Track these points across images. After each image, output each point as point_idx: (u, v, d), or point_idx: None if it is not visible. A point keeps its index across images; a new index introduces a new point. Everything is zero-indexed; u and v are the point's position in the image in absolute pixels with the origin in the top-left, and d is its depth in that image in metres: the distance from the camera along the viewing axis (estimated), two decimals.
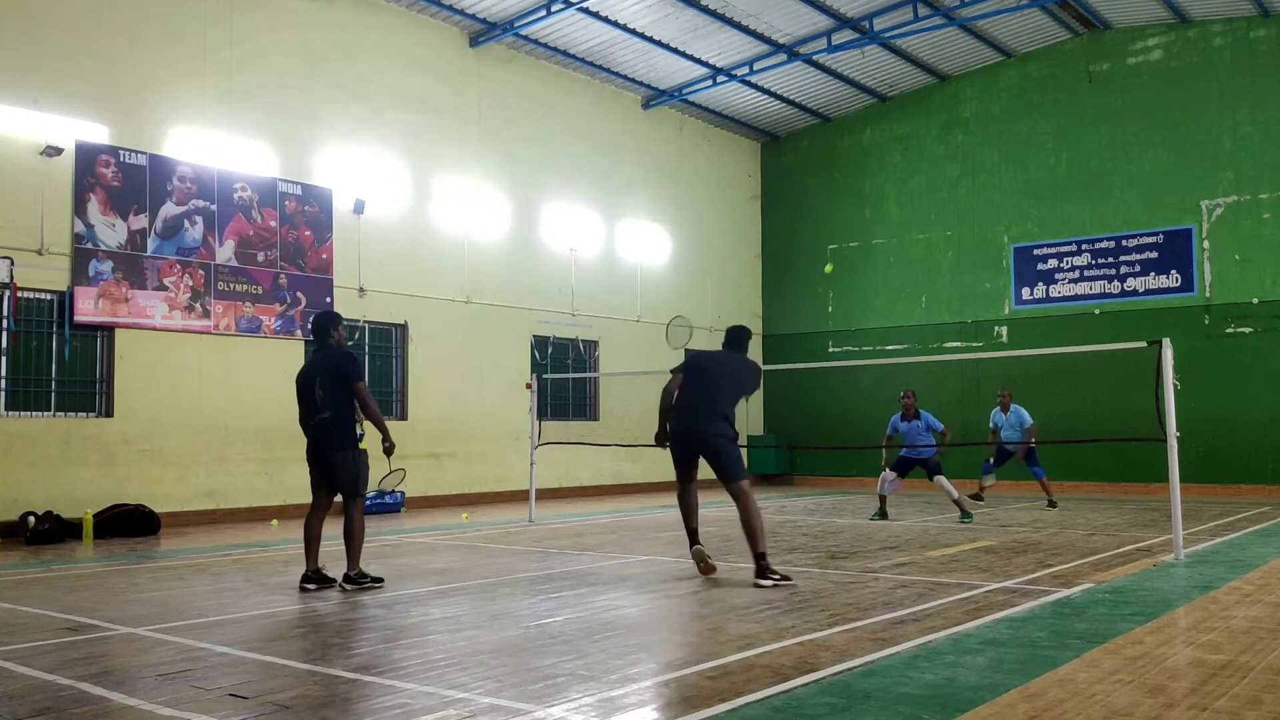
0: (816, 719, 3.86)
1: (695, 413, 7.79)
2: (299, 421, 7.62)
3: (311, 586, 7.31)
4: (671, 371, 8.15)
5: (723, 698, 4.13)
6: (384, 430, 7.37)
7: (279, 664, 4.92)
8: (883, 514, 12.87)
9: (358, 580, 7.31)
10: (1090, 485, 17.46)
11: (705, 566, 7.81)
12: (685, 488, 8.06)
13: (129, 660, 5.17)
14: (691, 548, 7.94)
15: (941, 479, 12.47)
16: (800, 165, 22.27)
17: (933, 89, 20.53)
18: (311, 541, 7.42)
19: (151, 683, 4.56)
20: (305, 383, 7.55)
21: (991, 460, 14.47)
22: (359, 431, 7.46)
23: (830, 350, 21.30)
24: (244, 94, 13.69)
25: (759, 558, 7.46)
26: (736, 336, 8.31)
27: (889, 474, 12.71)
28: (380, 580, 7.45)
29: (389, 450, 7.39)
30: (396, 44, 15.64)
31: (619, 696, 4.28)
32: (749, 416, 21.91)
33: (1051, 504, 14.07)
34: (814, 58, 18.49)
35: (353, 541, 7.37)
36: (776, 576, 7.34)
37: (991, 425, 14.51)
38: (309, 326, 7.93)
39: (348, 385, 7.39)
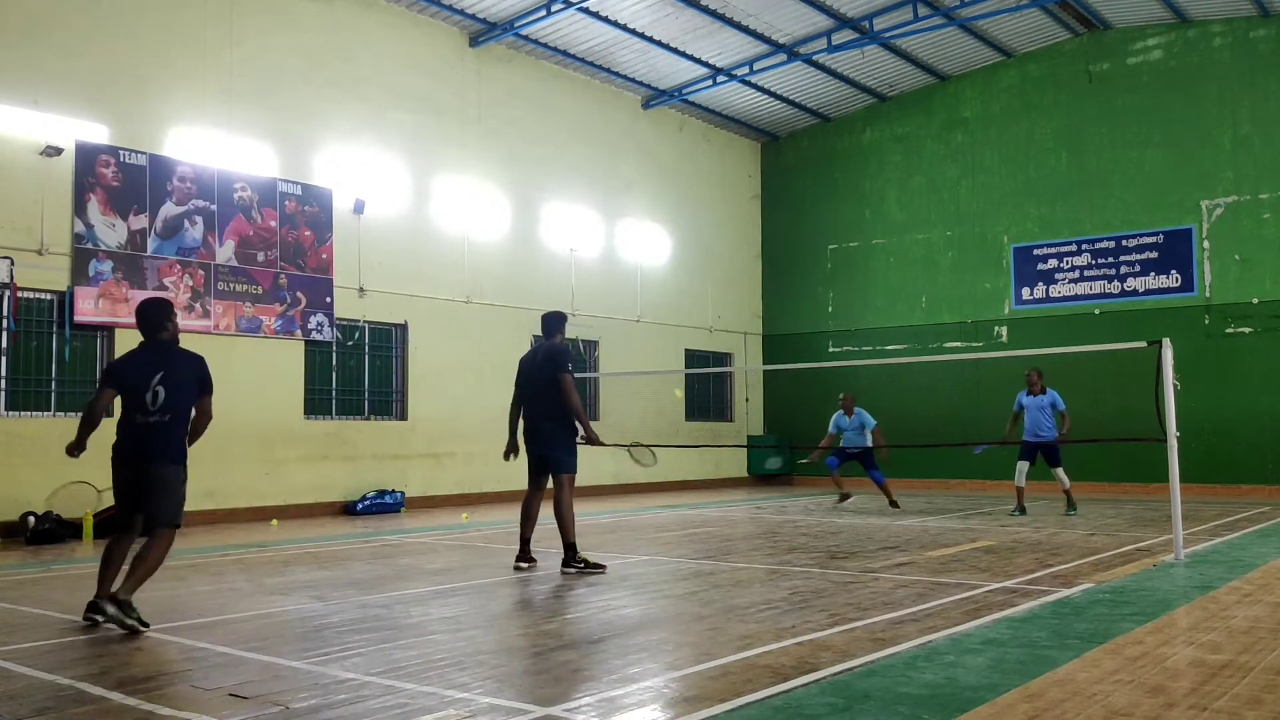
0: (816, 719, 3.86)
1: (530, 433, 8.48)
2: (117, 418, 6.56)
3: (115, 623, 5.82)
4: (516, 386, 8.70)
5: (723, 698, 4.13)
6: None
7: (279, 664, 4.92)
8: (1021, 509, 12.95)
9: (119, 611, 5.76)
10: (1090, 485, 17.44)
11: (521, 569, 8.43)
12: (531, 495, 8.56)
13: (129, 660, 5.17)
14: (517, 558, 8.46)
15: (1060, 471, 12.65)
16: (800, 165, 22.27)
17: (933, 89, 20.52)
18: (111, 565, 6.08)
19: (151, 683, 4.56)
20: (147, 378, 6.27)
21: (836, 460, 14.69)
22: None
23: (830, 350, 21.30)
24: (244, 94, 13.69)
25: (569, 546, 8.18)
26: (544, 324, 8.75)
27: (1021, 465, 12.90)
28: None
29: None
30: (396, 44, 15.64)
31: (619, 696, 4.28)
32: (749, 416, 21.94)
33: (893, 504, 14.23)
34: (814, 58, 18.48)
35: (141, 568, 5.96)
36: (580, 564, 8.10)
37: (832, 429, 14.73)
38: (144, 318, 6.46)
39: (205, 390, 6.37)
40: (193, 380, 6.36)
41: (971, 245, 19.87)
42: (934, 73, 20.04)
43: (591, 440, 8.45)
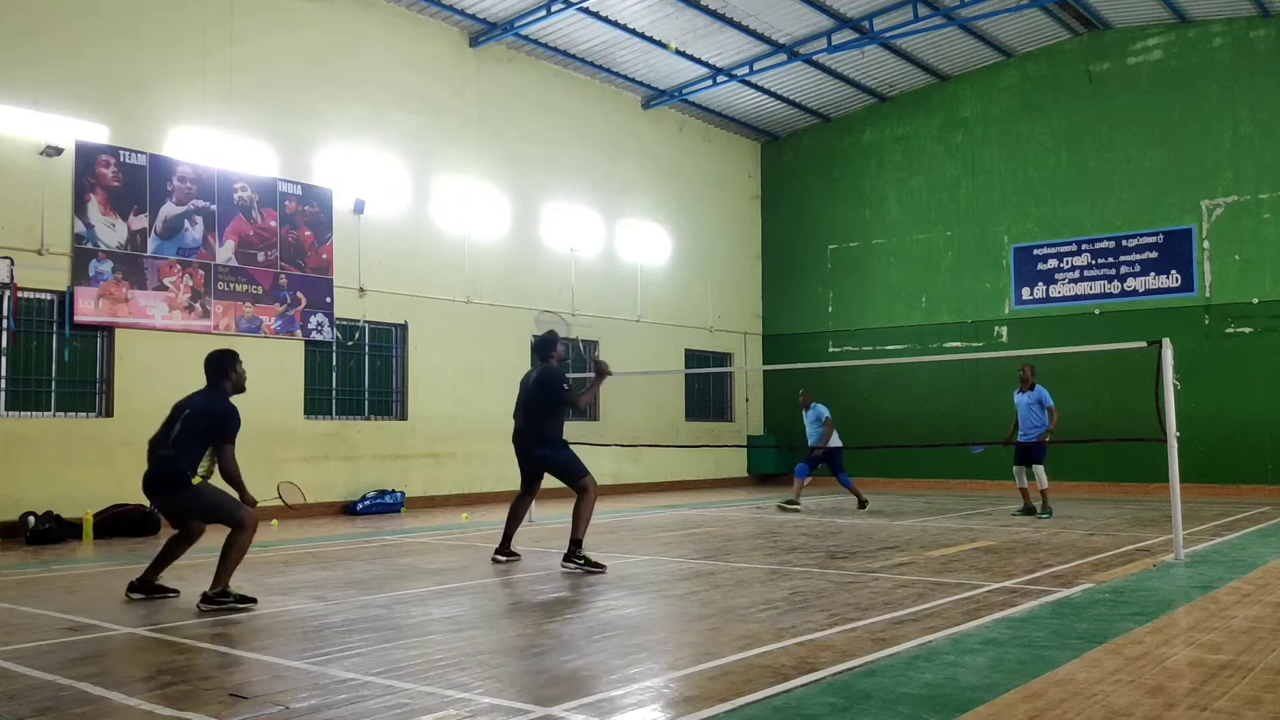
0: (816, 719, 3.86)
1: (521, 435, 8.61)
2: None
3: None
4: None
5: (723, 698, 4.13)
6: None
7: (279, 664, 4.92)
8: (1027, 509, 12.86)
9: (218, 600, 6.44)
10: (1090, 485, 17.46)
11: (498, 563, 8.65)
12: (520, 498, 8.88)
13: (129, 660, 5.17)
14: (497, 550, 8.76)
15: (1040, 469, 12.52)
16: (800, 165, 22.27)
17: (933, 89, 20.52)
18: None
19: (151, 683, 4.56)
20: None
21: (805, 463, 14.76)
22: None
23: (830, 350, 21.30)
24: (244, 94, 13.69)
25: (575, 542, 8.19)
26: (535, 347, 8.90)
27: (1016, 469, 12.85)
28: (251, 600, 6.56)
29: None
30: (396, 44, 15.63)
31: (619, 696, 4.28)
32: (749, 416, 21.94)
33: (862, 504, 14.34)
34: (814, 58, 18.48)
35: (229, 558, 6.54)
36: (581, 561, 8.07)
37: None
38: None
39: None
40: (203, 424, 6.65)
41: (971, 245, 19.87)
42: (934, 73, 20.04)
43: (601, 372, 8.79)
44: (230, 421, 6.64)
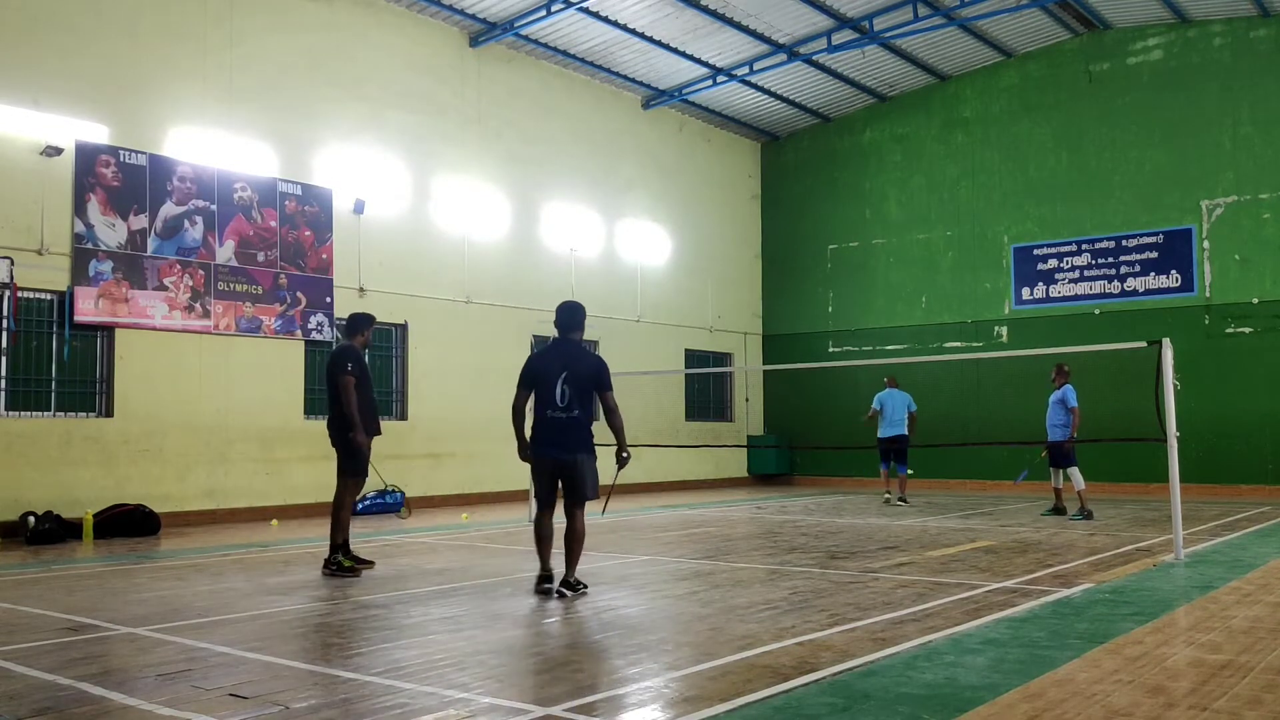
0: (816, 719, 3.86)
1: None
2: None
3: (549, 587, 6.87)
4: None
5: (723, 698, 4.13)
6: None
7: (279, 664, 4.92)
8: (1057, 509, 12.89)
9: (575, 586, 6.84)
10: (1090, 485, 17.37)
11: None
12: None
13: (129, 660, 5.17)
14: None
15: (1074, 471, 12.40)
16: (800, 165, 22.26)
17: (933, 89, 20.52)
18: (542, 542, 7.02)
19: (151, 683, 4.56)
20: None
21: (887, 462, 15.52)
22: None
23: (830, 350, 21.30)
24: (244, 94, 13.69)
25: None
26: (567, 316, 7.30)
27: (1050, 468, 12.88)
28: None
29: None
30: (396, 44, 15.63)
31: (619, 696, 4.28)
32: (749, 417, 21.93)
33: (902, 499, 15.33)
34: (814, 58, 18.48)
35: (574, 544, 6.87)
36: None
37: (876, 405, 15.45)
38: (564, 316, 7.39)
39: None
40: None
41: (971, 245, 19.87)
42: (934, 73, 20.04)
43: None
44: (607, 370, 7.21)
